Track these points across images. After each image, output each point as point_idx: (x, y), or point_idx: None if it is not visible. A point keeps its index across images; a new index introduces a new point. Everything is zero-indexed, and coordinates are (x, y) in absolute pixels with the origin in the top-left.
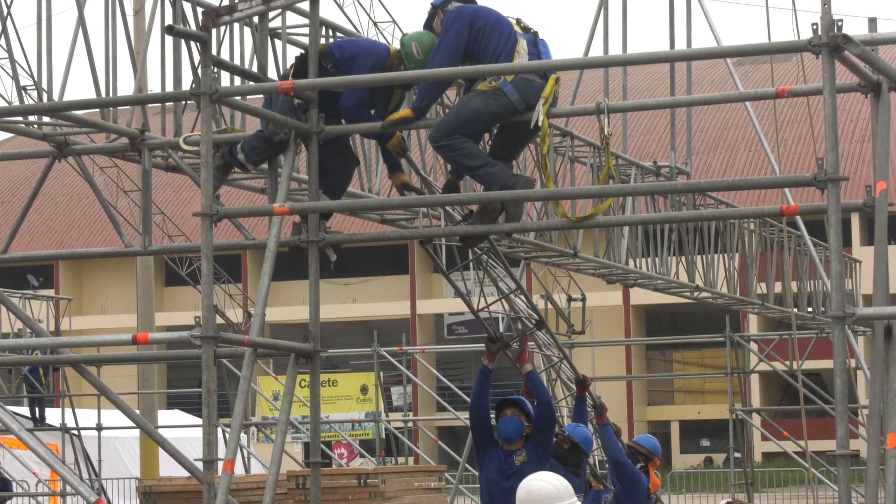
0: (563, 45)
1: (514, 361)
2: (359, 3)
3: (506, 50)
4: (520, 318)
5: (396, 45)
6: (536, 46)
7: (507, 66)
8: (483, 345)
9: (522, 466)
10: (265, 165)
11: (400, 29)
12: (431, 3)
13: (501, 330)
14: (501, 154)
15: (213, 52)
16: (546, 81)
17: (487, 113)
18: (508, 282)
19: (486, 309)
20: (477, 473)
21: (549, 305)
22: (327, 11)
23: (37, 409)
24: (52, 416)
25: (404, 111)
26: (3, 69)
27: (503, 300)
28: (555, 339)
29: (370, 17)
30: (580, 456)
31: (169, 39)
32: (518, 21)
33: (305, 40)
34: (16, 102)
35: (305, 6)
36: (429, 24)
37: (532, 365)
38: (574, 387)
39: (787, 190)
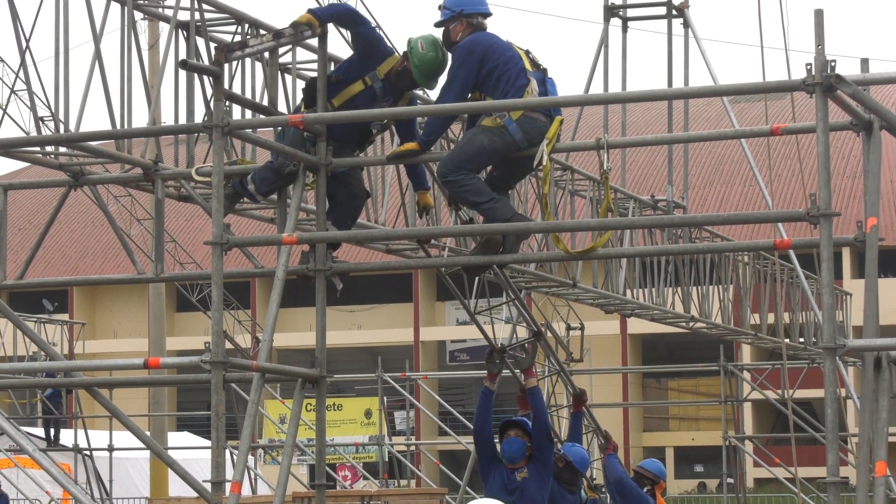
0: (565, 82)
1: (520, 373)
2: None
3: (514, 89)
4: (523, 341)
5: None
6: (545, 85)
7: (510, 103)
8: (483, 372)
9: (524, 482)
10: (274, 196)
11: (385, 35)
12: (450, 9)
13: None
14: (500, 184)
15: (225, 86)
16: (551, 121)
17: (492, 150)
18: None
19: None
20: (476, 496)
21: (549, 334)
22: (335, 46)
23: (52, 430)
24: (65, 436)
25: (410, 144)
26: (22, 100)
27: (511, 302)
28: (554, 354)
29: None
30: (575, 474)
31: (182, 73)
32: (528, 53)
33: (314, 74)
34: (33, 133)
35: (314, 42)
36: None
37: (536, 381)
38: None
39: (780, 224)
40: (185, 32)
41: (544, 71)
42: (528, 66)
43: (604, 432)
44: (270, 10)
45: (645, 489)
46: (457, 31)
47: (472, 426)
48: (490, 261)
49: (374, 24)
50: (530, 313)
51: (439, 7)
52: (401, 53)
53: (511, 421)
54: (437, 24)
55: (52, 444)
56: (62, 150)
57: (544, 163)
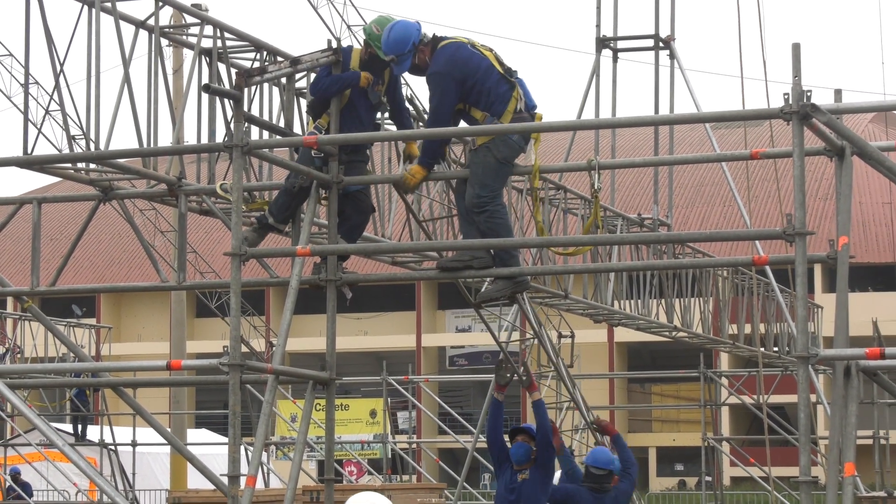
0: (559, 108)
1: (526, 388)
2: (332, 5)
3: (498, 98)
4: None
5: (347, 20)
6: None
7: (509, 127)
8: (480, 376)
9: (523, 483)
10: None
11: (351, 1)
12: (401, 53)
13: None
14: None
15: (245, 108)
16: (533, 118)
17: (502, 158)
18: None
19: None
20: (474, 491)
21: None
22: (303, 15)
23: (80, 426)
24: (92, 432)
25: (419, 171)
26: (55, 120)
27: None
28: (553, 350)
29: (343, 20)
30: (599, 479)
31: (205, 96)
32: (493, 52)
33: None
34: (66, 150)
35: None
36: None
37: (539, 395)
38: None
39: (757, 242)
40: (207, 59)
41: (509, 70)
42: (499, 68)
43: (596, 419)
44: (288, 39)
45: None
46: (422, 59)
47: (469, 426)
48: (489, 273)
49: (342, 24)
50: (540, 331)
51: (391, 62)
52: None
53: (519, 427)
54: (405, 71)
55: (80, 439)
56: (92, 166)
57: (533, 160)
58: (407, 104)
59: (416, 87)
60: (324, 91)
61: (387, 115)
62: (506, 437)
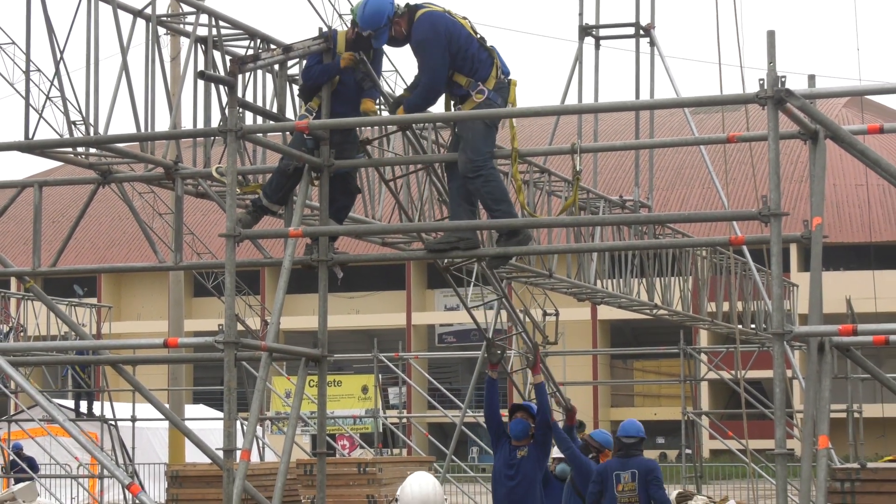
0: (543, 94)
1: (530, 369)
2: None
3: (482, 65)
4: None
5: (339, 8)
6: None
7: (504, 111)
8: (468, 353)
9: (521, 460)
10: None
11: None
12: (378, 26)
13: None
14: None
15: (239, 94)
16: (509, 84)
17: (491, 123)
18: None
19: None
20: (462, 464)
21: (527, 319)
22: (295, 3)
23: (84, 402)
24: (93, 408)
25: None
26: (56, 106)
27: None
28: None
29: (335, 9)
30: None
31: (200, 83)
32: (466, 20)
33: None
34: (66, 135)
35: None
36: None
37: (542, 377)
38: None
39: (734, 223)
40: (203, 46)
41: (483, 39)
42: (475, 36)
43: (569, 406)
44: (280, 26)
45: (590, 456)
46: (399, 30)
47: (457, 401)
48: (473, 254)
49: (333, 13)
50: (514, 307)
51: (370, 35)
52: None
53: (519, 405)
54: (384, 44)
55: (87, 415)
56: (92, 151)
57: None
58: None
59: (397, 60)
60: (314, 80)
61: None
62: (503, 414)
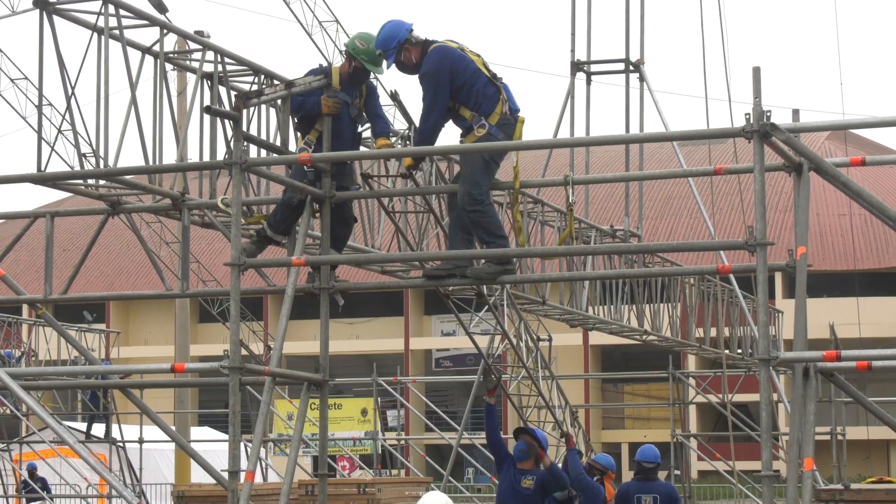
0: (537, 128)
1: (564, 439)
2: (324, 31)
3: (486, 100)
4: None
5: (340, 45)
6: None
7: (499, 144)
8: (464, 377)
9: (529, 494)
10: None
11: (342, 28)
12: (389, 49)
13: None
14: (462, 222)
15: (244, 128)
16: (516, 120)
17: (489, 157)
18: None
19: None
20: (458, 484)
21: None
22: (297, 39)
23: (101, 425)
24: (100, 430)
25: (407, 161)
26: (67, 139)
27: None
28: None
29: (314, 16)
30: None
31: (206, 117)
32: (480, 58)
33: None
34: (77, 168)
35: None
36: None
37: (575, 442)
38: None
39: (722, 252)
40: (209, 82)
41: (494, 75)
42: (486, 72)
43: (565, 431)
44: (283, 63)
45: (595, 478)
46: (409, 57)
47: (454, 424)
48: (470, 283)
49: (313, 19)
50: (504, 327)
51: (379, 55)
52: (324, 68)
53: (523, 428)
54: (390, 66)
55: (106, 438)
56: (102, 182)
57: (514, 165)
58: (392, 101)
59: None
60: (294, 111)
61: (367, 127)
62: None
